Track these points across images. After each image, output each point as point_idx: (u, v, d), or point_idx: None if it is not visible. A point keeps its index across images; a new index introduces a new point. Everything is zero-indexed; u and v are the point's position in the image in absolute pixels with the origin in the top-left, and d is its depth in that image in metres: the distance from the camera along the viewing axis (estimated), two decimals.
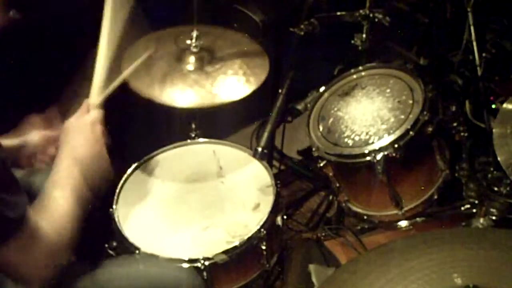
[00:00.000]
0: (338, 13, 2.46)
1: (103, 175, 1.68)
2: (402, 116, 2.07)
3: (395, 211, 2.12)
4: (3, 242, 1.40)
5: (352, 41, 2.49)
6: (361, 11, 2.41)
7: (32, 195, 1.54)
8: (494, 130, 1.85)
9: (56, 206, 1.54)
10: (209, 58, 2.15)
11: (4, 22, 1.48)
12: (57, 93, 1.91)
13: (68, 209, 1.54)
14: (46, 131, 1.81)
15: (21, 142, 1.79)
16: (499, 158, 1.79)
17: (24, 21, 1.52)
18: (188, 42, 2.14)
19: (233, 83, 2.08)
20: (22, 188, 1.45)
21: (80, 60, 1.87)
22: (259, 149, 2.02)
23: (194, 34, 2.13)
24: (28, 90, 2.23)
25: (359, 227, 2.21)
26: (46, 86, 2.16)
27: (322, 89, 2.27)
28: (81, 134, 1.65)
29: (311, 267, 2.04)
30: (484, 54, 2.44)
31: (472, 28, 2.29)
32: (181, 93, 2.05)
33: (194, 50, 2.14)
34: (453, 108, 2.25)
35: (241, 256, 1.89)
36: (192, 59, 2.14)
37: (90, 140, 1.64)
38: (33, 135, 1.80)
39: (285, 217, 2.08)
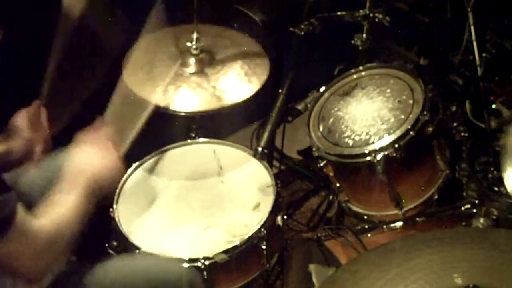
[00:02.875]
0: (338, 13, 2.46)
1: (113, 186, 1.72)
2: (402, 116, 2.07)
3: (395, 211, 2.12)
4: None
5: (352, 41, 2.49)
6: (361, 11, 2.42)
7: (20, 194, 1.56)
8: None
9: (60, 207, 1.56)
10: (209, 60, 2.15)
11: None
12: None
13: (71, 212, 1.56)
14: (31, 133, 1.81)
15: (7, 149, 1.79)
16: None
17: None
18: (188, 44, 2.14)
19: (234, 85, 2.09)
20: (10, 187, 1.46)
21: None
22: (259, 149, 2.02)
23: (194, 36, 2.13)
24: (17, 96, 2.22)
25: (359, 227, 2.21)
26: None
27: (322, 89, 2.27)
28: (93, 151, 1.68)
29: (311, 267, 2.04)
30: (484, 54, 2.44)
31: (472, 28, 2.28)
32: (181, 95, 2.05)
33: (195, 52, 2.14)
34: (453, 108, 2.25)
35: (241, 255, 1.89)
36: (192, 61, 2.14)
37: (101, 158, 1.68)
38: (18, 141, 1.80)
39: (285, 217, 2.08)
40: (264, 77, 2.11)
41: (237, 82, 2.09)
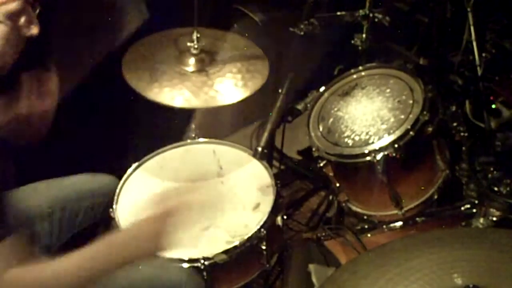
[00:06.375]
0: (338, 13, 2.46)
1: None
2: (402, 116, 2.07)
3: (395, 211, 2.12)
4: None
5: (352, 41, 2.49)
6: (361, 11, 2.42)
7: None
8: None
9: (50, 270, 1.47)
10: (209, 60, 2.15)
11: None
12: None
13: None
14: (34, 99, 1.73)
15: (10, 119, 1.74)
16: None
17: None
18: (189, 44, 2.14)
19: (233, 85, 2.09)
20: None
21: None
22: (259, 149, 2.02)
23: (195, 36, 2.13)
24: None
25: (359, 227, 2.21)
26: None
27: (322, 89, 2.27)
28: (140, 240, 1.56)
29: (311, 267, 2.04)
30: (484, 54, 2.44)
31: (472, 28, 2.29)
32: (181, 94, 2.05)
33: (195, 52, 2.14)
34: (453, 108, 2.25)
35: (241, 256, 1.89)
36: (192, 60, 2.14)
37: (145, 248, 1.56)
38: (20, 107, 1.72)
39: (285, 217, 2.07)
40: (263, 78, 2.11)
41: (236, 82, 2.09)
